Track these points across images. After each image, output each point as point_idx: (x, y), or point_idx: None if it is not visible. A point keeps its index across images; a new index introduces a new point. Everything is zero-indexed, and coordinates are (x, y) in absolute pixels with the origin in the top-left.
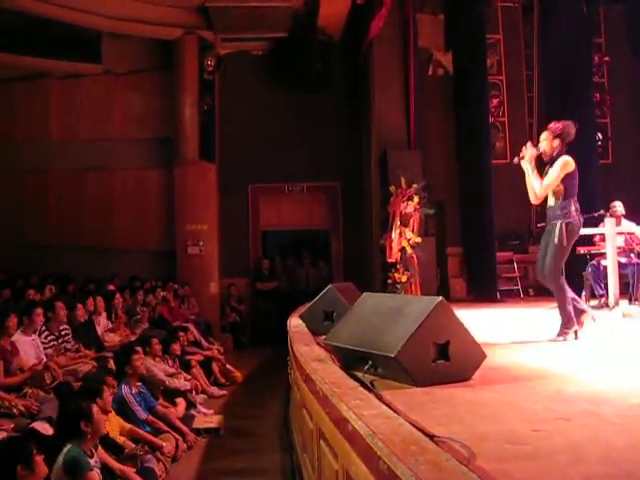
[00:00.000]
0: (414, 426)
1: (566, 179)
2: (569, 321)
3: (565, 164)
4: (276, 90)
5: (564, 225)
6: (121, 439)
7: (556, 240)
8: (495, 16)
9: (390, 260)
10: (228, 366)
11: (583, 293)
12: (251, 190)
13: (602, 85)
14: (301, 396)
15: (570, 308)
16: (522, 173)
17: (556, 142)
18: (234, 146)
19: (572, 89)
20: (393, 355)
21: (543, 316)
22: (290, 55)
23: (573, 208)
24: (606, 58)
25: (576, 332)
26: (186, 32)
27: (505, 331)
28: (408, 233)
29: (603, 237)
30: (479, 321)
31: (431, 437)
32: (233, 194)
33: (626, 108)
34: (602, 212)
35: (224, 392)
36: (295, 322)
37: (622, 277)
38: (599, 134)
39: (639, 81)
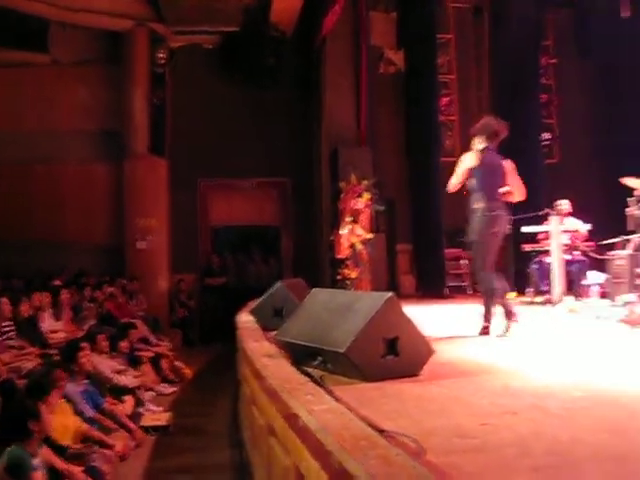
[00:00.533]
0: (364, 421)
1: (472, 174)
2: (487, 316)
3: (460, 160)
4: (228, 85)
5: (474, 220)
6: (68, 440)
7: (473, 236)
8: (447, 16)
9: (340, 256)
10: (177, 363)
11: (528, 290)
12: (201, 185)
13: (549, 86)
14: (251, 392)
15: (490, 304)
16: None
17: (476, 140)
18: (185, 140)
19: (520, 90)
20: (343, 351)
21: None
22: (242, 50)
23: (482, 203)
24: (553, 60)
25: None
26: (137, 24)
27: (453, 327)
28: (358, 229)
29: (548, 235)
30: (428, 317)
31: (381, 432)
32: (183, 189)
33: (572, 109)
34: (547, 210)
35: (173, 389)
36: (245, 318)
37: (567, 274)
38: (546, 134)
39: (584, 83)
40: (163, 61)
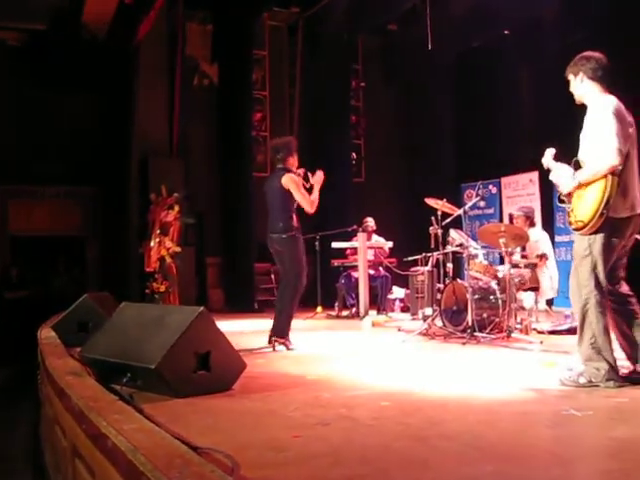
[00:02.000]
0: (177, 438)
1: None
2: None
3: None
4: (34, 86)
5: None
6: None
7: None
8: (263, 33)
9: (149, 269)
10: None
11: (336, 303)
12: (0, 192)
13: (358, 108)
14: (54, 413)
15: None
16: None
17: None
18: None
19: (331, 110)
20: (153, 366)
21: (299, 327)
22: (51, 50)
23: None
24: (362, 83)
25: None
26: None
27: (263, 341)
28: (168, 242)
29: (355, 250)
30: (238, 332)
31: (195, 449)
32: None
33: (377, 130)
34: (355, 227)
35: None
36: (47, 334)
37: (372, 289)
38: (354, 154)
39: (388, 106)
40: None
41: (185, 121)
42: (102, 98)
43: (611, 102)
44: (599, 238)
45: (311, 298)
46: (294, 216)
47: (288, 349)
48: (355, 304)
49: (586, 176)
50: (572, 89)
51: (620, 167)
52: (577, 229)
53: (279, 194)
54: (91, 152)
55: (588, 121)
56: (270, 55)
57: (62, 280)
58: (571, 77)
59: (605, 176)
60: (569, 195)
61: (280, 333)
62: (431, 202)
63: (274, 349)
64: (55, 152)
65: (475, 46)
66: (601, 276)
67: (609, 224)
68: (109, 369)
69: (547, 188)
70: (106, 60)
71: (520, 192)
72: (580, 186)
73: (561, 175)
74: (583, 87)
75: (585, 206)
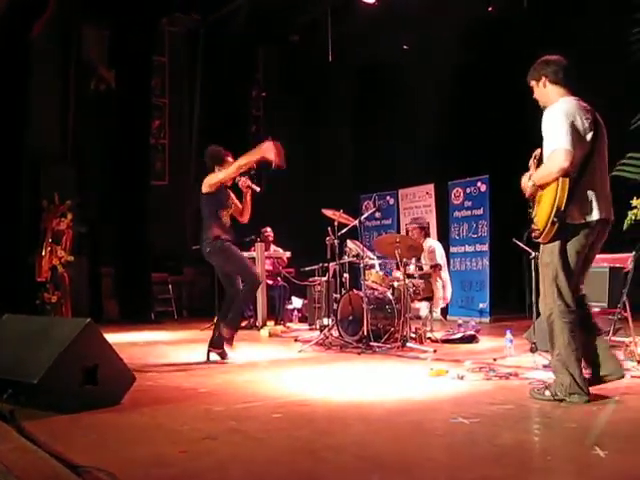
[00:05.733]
0: (56, 457)
1: None
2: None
3: None
4: None
5: None
6: None
7: None
8: (162, 39)
9: (40, 279)
10: None
11: None
12: None
13: (258, 118)
14: None
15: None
16: (178, 194)
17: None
18: None
19: (232, 119)
20: (36, 381)
21: (196, 338)
22: None
23: None
24: (263, 93)
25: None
26: None
27: (157, 353)
28: (60, 251)
29: (253, 260)
30: (131, 344)
31: (74, 468)
32: None
33: (280, 140)
34: (253, 237)
35: None
36: None
37: (270, 299)
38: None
39: (289, 116)
40: None
41: (80, 126)
42: None
43: (567, 102)
44: (557, 246)
45: (207, 309)
46: (214, 225)
47: (223, 359)
48: (253, 314)
49: (539, 176)
50: (536, 95)
51: (572, 170)
52: (535, 237)
53: (202, 203)
54: None
55: (544, 122)
56: (170, 62)
57: None
58: (533, 83)
59: (557, 179)
60: (533, 199)
61: (216, 344)
62: (328, 213)
63: (208, 359)
64: None
65: (375, 60)
66: (563, 285)
67: (567, 231)
68: None
69: (442, 200)
70: None
71: (417, 203)
72: (537, 189)
73: (525, 176)
74: (546, 92)
75: (540, 212)
